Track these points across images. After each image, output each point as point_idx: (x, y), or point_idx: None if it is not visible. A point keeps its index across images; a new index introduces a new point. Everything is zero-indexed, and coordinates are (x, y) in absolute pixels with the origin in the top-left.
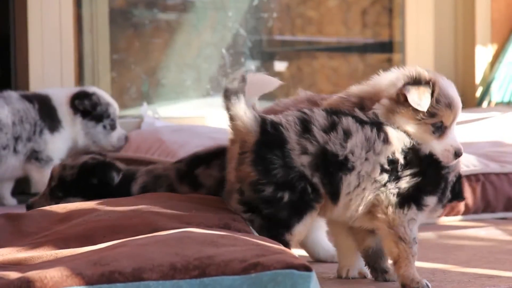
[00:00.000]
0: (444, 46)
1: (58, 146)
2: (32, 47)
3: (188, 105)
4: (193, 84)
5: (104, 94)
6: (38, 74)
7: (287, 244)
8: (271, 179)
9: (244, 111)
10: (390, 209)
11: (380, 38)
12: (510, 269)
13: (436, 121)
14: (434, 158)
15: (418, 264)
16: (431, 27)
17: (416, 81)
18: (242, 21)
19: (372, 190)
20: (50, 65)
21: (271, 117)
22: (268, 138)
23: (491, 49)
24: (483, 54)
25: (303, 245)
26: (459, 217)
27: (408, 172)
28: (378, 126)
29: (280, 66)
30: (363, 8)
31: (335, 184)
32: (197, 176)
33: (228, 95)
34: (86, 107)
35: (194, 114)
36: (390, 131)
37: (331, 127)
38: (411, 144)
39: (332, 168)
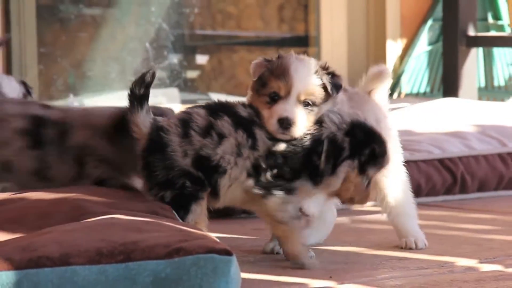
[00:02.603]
0: (357, 40)
1: None
2: None
3: (112, 96)
4: (117, 77)
5: None
6: None
7: None
8: (154, 181)
9: (142, 118)
10: (263, 200)
11: (296, 32)
12: (419, 252)
13: (269, 91)
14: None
15: (332, 247)
16: (345, 22)
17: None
18: (165, 16)
19: (243, 189)
20: None
21: (161, 121)
22: (151, 144)
23: (401, 43)
24: (393, 48)
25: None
26: (372, 202)
27: (269, 169)
28: (249, 129)
29: (201, 59)
30: (280, 4)
31: (213, 184)
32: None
33: (131, 100)
34: None
35: (119, 105)
36: (258, 134)
37: (206, 131)
38: (271, 143)
39: (208, 171)
